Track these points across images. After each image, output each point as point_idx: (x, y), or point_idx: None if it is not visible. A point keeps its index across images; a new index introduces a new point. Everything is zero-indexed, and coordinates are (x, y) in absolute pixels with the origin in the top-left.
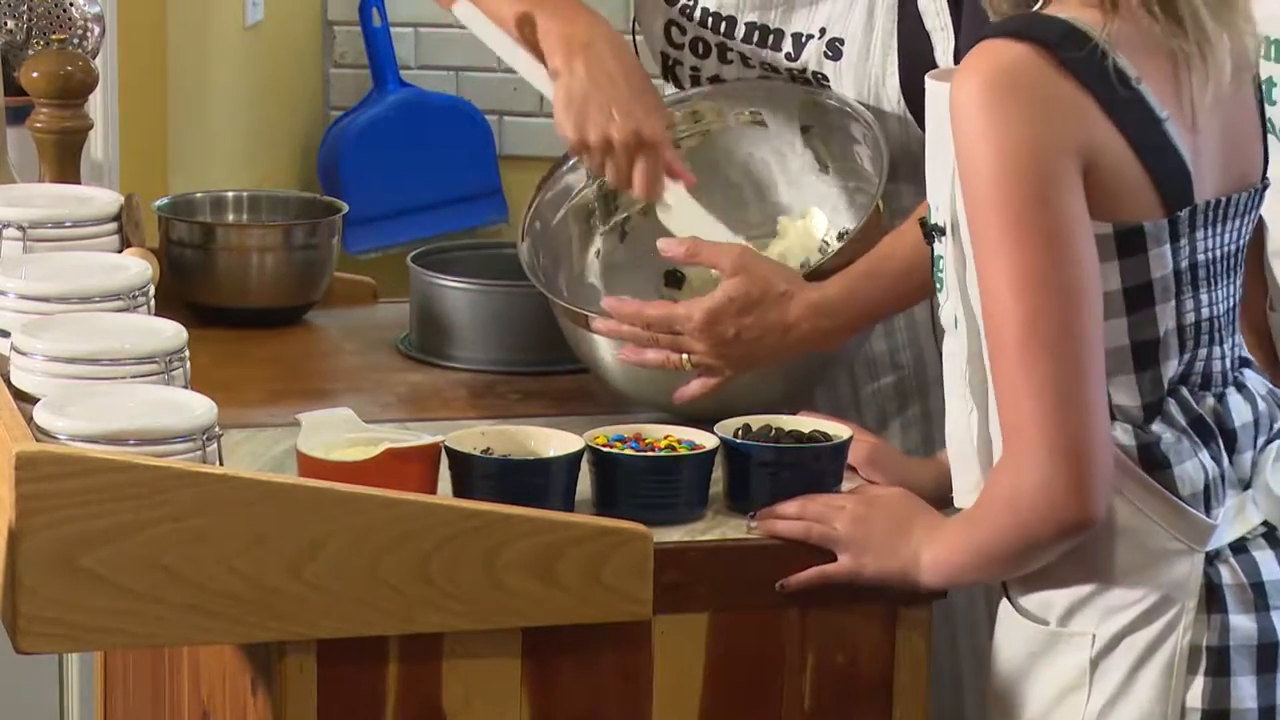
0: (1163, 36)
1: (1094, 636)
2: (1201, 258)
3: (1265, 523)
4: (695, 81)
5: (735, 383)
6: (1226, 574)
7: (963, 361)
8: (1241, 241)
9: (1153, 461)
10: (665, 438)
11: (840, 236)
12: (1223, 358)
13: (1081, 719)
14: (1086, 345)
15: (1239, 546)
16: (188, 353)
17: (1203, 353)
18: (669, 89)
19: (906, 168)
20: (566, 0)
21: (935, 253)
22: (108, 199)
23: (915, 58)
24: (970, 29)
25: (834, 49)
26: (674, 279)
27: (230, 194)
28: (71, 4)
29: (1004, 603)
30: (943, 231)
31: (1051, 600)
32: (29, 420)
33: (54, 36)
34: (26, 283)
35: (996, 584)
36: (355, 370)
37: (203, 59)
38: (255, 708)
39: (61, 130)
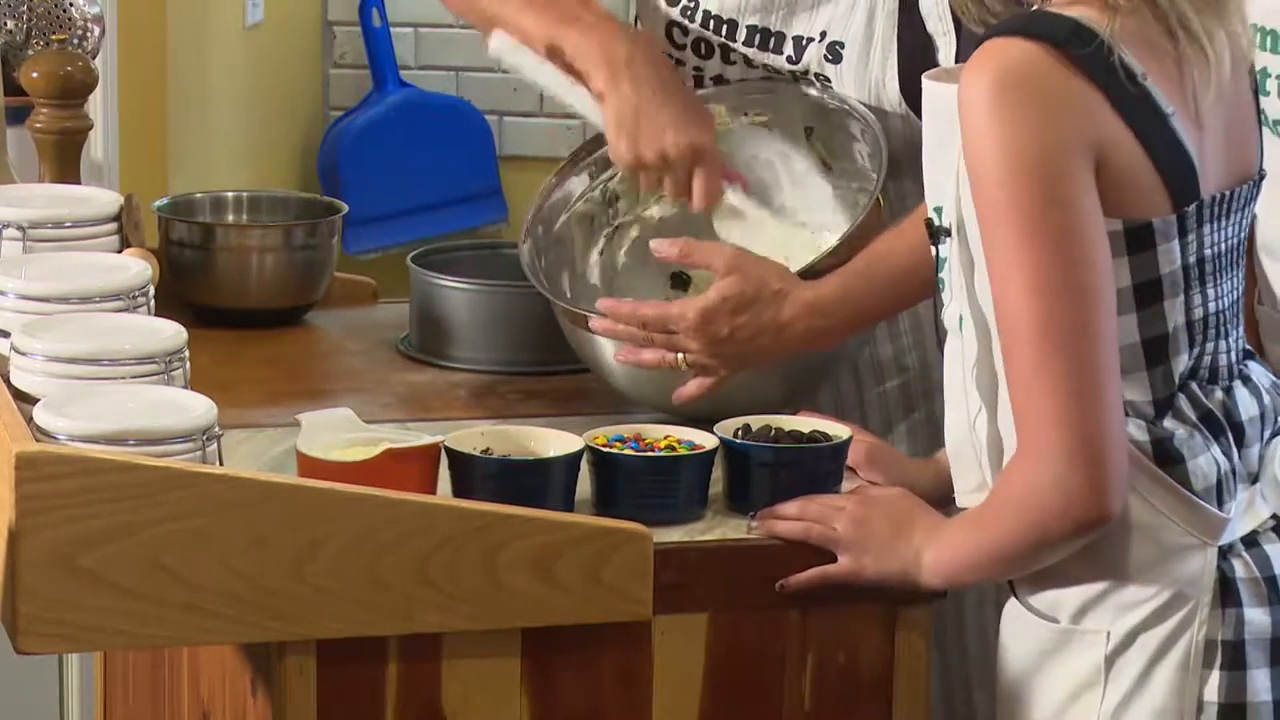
0: (1163, 39)
1: (1108, 634)
2: (1208, 252)
3: (1274, 515)
4: (698, 82)
5: (735, 383)
6: (1239, 568)
7: (970, 362)
8: (1243, 234)
9: (1166, 457)
10: (665, 438)
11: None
12: (1228, 351)
13: (1097, 717)
14: (1102, 343)
15: (1250, 540)
16: (188, 353)
17: (1210, 346)
18: None
19: (911, 168)
20: (596, 16)
21: (940, 254)
22: (108, 199)
23: (917, 61)
24: (973, 33)
25: (834, 52)
26: (680, 281)
27: (230, 194)
28: (71, 4)
29: (1011, 602)
30: (948, 233)
31: (1063, 598)
32: (29, 420)
33: (54, 36)
34: (26, 283)
35: (1005, 584)
36: (355, 370)
37: (203, 59)
38: (255, 708)
39: (61, 130)
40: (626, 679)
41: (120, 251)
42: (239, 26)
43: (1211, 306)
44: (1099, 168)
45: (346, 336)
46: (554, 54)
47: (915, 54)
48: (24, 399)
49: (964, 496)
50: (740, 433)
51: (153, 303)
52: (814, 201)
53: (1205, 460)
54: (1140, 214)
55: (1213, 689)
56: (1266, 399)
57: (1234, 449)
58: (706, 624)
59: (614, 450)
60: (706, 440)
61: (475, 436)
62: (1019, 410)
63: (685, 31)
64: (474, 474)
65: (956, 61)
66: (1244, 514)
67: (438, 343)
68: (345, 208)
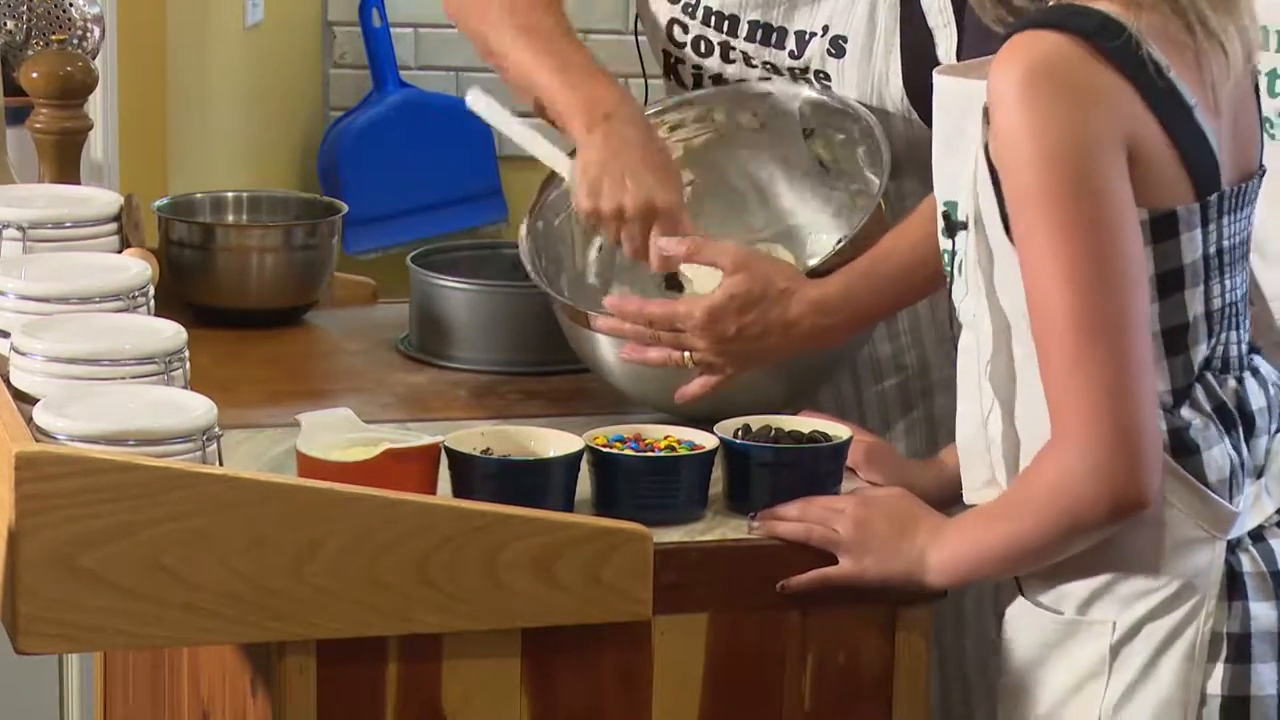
0: (1183, 34)
1: (1114, 624)
2: (1226, 243)
3: (1279, 511)
4: (698, 80)
5: (737, 383)
6: (1246, 562)
7: (985, 357)
8: (1250, 228)
9: (1182, 447)
10: (665, 438)
11: (839, 242)
12: (1239, 342)
13: (1100, 707)
14: (1137, 331)
15: (1257, 535)
16: (188, 353)
17: (1224, 337)
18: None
19: (912, 165)
20: (589, 71)
21: (954, 248)
22: (108, 199)
23: (918, 55)
24: (974, 26)
25: (837, 46)
26: (674, 280)
27: (230, 194)
28: (71, 4)
29: (1017, 599)
30: (964, 227)
31: (1068, 591)
32: (29, 420)
33: (54, 37)
34: (26, 283)
35: (1005, 582)
36: (355, 370)
37: (203, 59)
38: (255, 708)
39: (61, 130)
40: (626, 679)
41: (120, 251)
42: (239, 26)
43: (1228, 297)
44: (1129, 158)
45: (346, 336)
46: (539, 107)
47: (916, 47)
48: (24, 399)
49: (972, 493)
50: (740, 433)
51: (153, 303)
52: (812, 202)
53: (1219, 452)
54: (1164, 203)
55: (1217, 682)
56: (1273, 391)
57: (1243, 442)
58: (706, 624)
59: (614, 450)
60: (706, 440)
61: (475, 436)
62: (1054, 400)
63: (686, 29)
64: (474, 474)
65: (958, 54)
66: (1251, 508)
67: (438, 343)
68: (345, 208)
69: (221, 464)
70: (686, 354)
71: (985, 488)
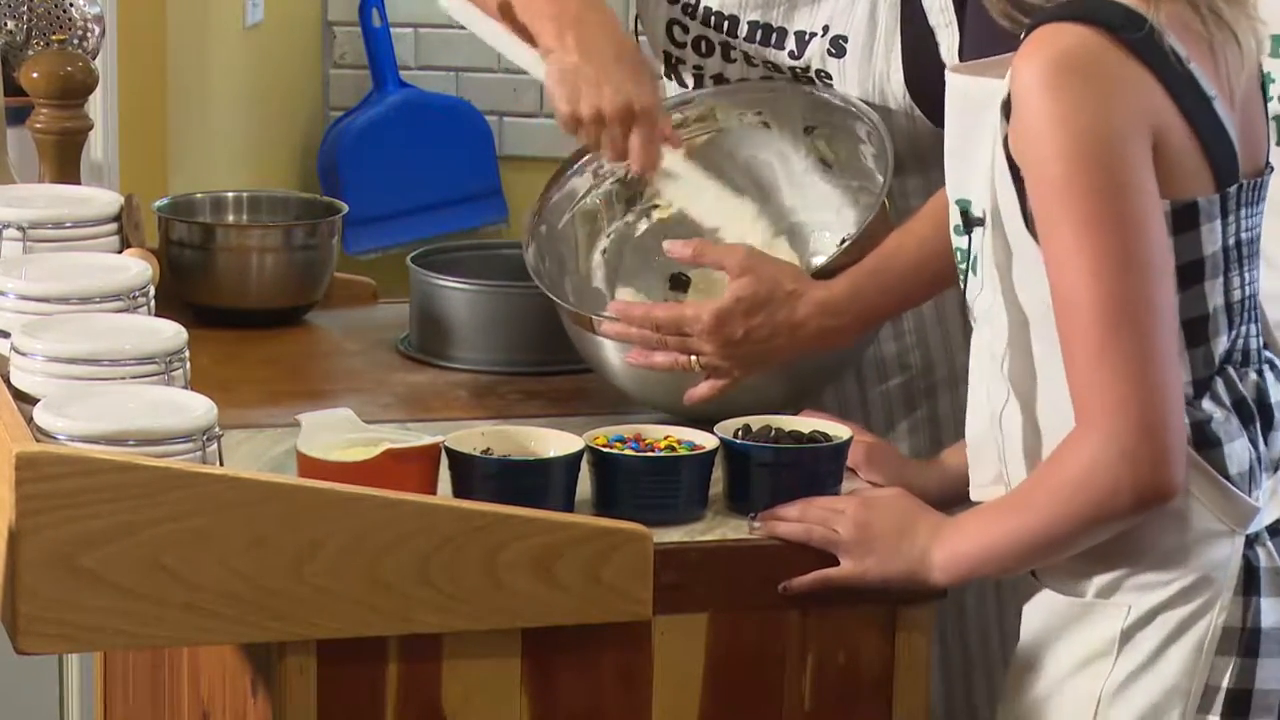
0: (1198, 25)
1: (1129, 609)
2: (1245, 235)
3: None
4: (699, 80)
5: (743, 385)
6: (1264, 557)
7: (998, 351)
8: (1261, 224)
9: (1203, 440)
10: (665, 438)
11: (842, 242)
12: (1258, 335)
13: (1102, 687)
14: (1163, 322)
15: (1275, 529)
16: (188, 353)
17: (1243, 330)
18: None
19: (915, 163)
20: None
21: (970, 245)
22: (108, 199)
23: (919, 54)
24: (975, 24)
25: (837, 46)
26: (679, 282)
27: (230, 194)
28: (71, 4)
29: (1037, 589)
30: (981, 223)
31: (1087, 578)
32: (29, 420)
33: (54, 37)
34: (26, 283)
35: (1008, 582)
36: (355, 370)
37: (203, 59)
38: (255, 708)
39: (61, 131)
40: (626, 679)
41: (120, 251)
42: (239, 26)
43: (1247, 290)
44: (1153, 149)
45: (346, 337)
46: (505, 9)
47: (918, 46)
48: (24, 399)
49: (979, 489)
50: (740, 433)
51: (153, 303)
52: (814, 200)
53: (1240, 445)
54: (1186, 195)
55: (1223, 674)
56: None
57: (1260, 437)
58: (706, 624)
59: (614, 450)
60: (706, 440)
61: (475, 436)
62: (1079, 391)
63: (686, 30)
64: (474, 474)
65: (959, 52)
66: (1269, 502)
67: (438, 343)
68: (345, 208)
69: (221, 464)
70: (693, 358)
71: (993, 484)
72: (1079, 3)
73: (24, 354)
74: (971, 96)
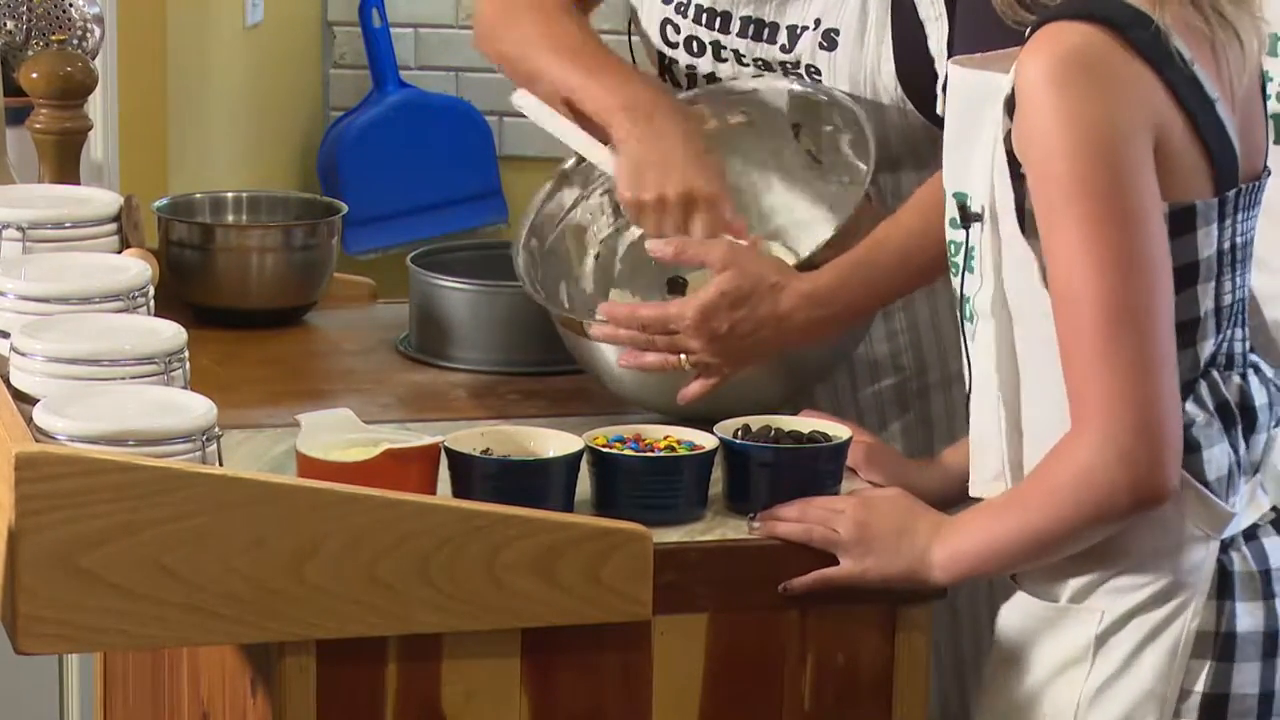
0: (1201, 24)
1: (1102, 613)
2: (1239, 239)
3: (1274, 508)
4: (691, 79)
5: (737, 383)
6: (1238, 561)
7: (993, 349)
8: (1255, 227)
9: (1185, 444)
10: (665, 438)
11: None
12: (1243, 339)
13: (1080, 693)
14: (1162, 323)
15: (1250, 533)
16: (187, 353)
17: (1230, 333)
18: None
19: (908, 158)
20: (621, 68)
21: (968, 240)
22: (107, 199)
23: (909, 47)
24: (965, 18)
25: (829, 39)
26: (676, 286)
27: (230, 194)
28: (71, 4)
29: (1013, 592)
30: (979, 218)
31: (1062, 582)
32: (29, 421)
33: (54, 37)
34: (26, 283)
35: (999, 581)
36: (355, 370)
37: (203, 59)
38: (255, 708)
39: (61, 131)
40: (626, 679)
41: (120, 252)
42: (239, 26)
43: (1237, 294)
44: (1155, 150)
45: (346, 337)
46: (576, 104)
47: (908, 39)
48: (24, 399)
49: (980, 485)
50: (740, 433)
51: (153, 303)
52: (805, 198)
53: (1220, 450)
54: (1184, 198)
55: (1198, 679)
56: (1274, 389)
57: (1242, 440)
58: (706, 624)
59: (614, 450)
60: (706, 440)
61: (475, 436)
62: (1077, 390)
63: (678, 30)
64: (474, 474)
65: (949, 45)
66: (1247, 507)
67: (437, 343)
68: (345, 208)
69: (221, 464)
70: (683, 357)
71: (995, 480)
72: (1086, 1)
73: (24, 354)
74: (974, 89)
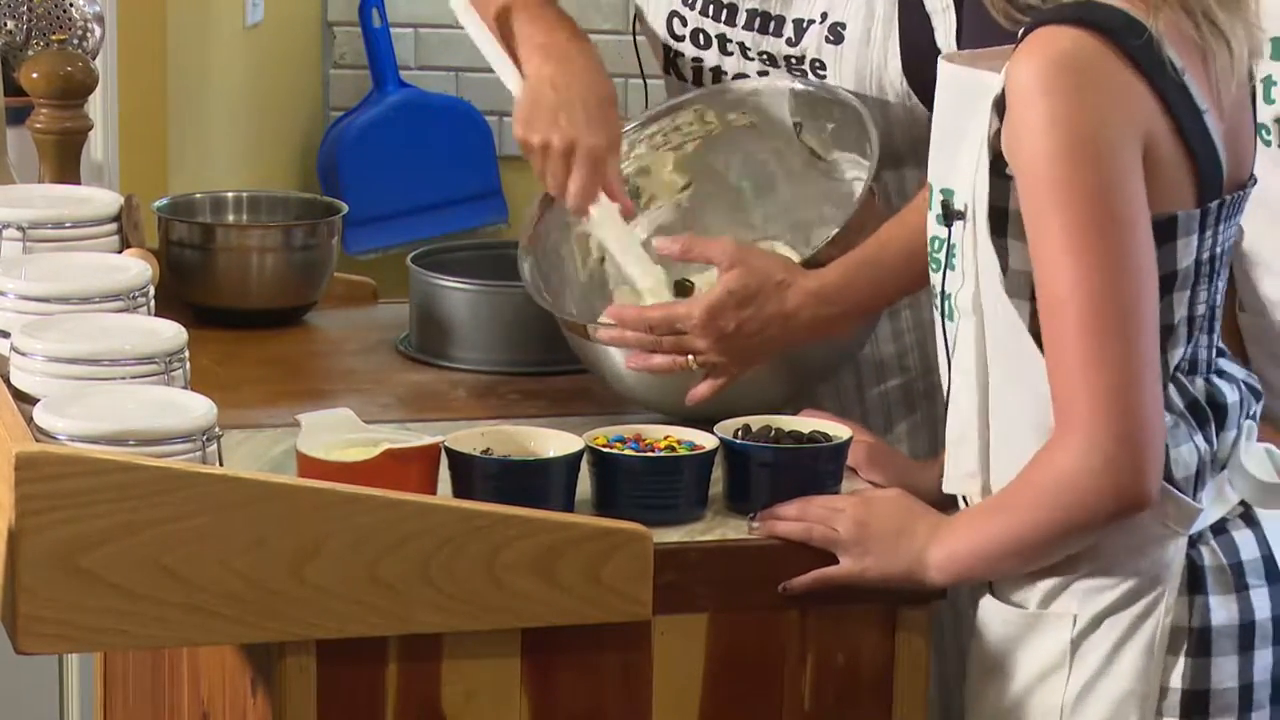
0: (1192, 31)
1: (1075, 617)
2: (1218, 250)
3: (1243, 502)
4: (697, 74)
5: (741, 382)
6: (1208, 555)
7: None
8: (1234, 237)
9: None
10: (665, 438)
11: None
12: (1209, 346)
13: (1062, 699)
14: (1147, 329)
15: (1219, 528)
16: (187, 353)
17: (1199, 340)
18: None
19: (913, 154)
20: (561, 20)
21: (950, 237)
22: (107, 199)
23: (917, 41)
24: (973, 12)
25: (835, 33)
26: (682, 289)
27: (230, 194)
28: (71, 4)
29: (986, 597)
30: (962, 215)
31: (1033, 585)
32: (29, 420)
33: (54, 37)
34: (26, 283)
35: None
36: (355, 370)
37: (203, 59)
38: (255, 708)
39: (61, 131)
40: (626, 679)
41: (120, 252)
42: (239, 26)
43: (1211, 302)
44: (1144, 158)
45: (346, 337)
46: (502, 21)
47: (915, 33)
48: (24, 399)
49: (953, 482)
50: (740, 433)
51: (153, 303)
52: (810, 196)
53: (1188, 450)
54: (1168, 207)
55: (1177, 675)
56: (1242, 388)
57: (1214, 435)
58: (706, 624)
59: (614, 450)
60: (706, 440)
61: (475, 436)
62: (1062, 395)
63: (685, 22)
64: (474, 474)
65: (957, 39)
66: (1215, 501)
67: (437, 343)
68: (345, 208)
69: (221, 464)
70: (690, 357)
71: (969, 478)
72: (1079, 6)
73: (24, 354)
74: (964, 86)
